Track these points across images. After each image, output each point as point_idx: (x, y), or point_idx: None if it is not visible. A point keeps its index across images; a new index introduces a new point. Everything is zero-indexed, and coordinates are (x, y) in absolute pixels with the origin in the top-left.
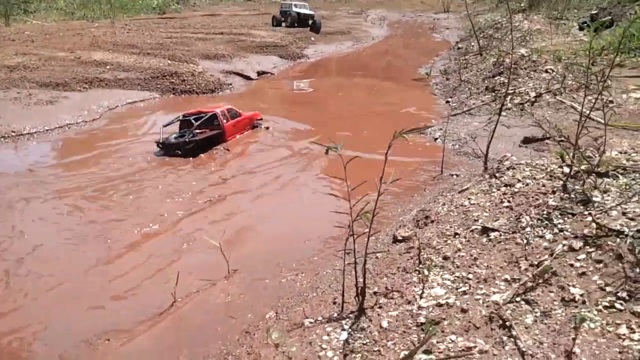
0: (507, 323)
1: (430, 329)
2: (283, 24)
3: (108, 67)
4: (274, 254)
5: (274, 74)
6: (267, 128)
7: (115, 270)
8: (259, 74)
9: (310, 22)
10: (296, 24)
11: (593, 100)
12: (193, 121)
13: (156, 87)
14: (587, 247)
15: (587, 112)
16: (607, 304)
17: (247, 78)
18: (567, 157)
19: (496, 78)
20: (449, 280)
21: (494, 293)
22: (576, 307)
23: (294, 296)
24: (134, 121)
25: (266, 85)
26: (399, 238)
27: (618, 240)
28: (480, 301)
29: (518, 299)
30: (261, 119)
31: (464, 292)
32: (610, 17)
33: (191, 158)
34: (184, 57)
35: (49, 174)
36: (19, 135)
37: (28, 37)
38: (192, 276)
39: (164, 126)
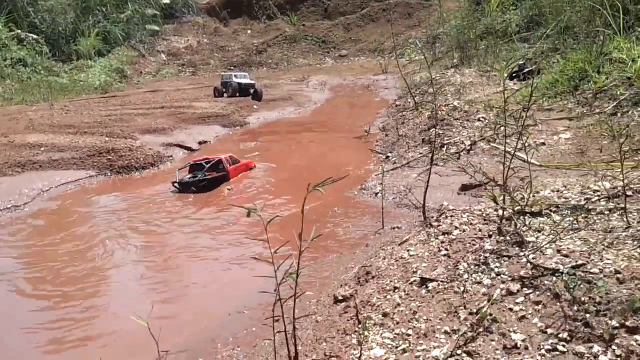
0: None
1: None
2: (225, 95)
3: (43, 149)
4: (208, 328)
5: (214, 143)
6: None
7: None
8: (201, 144)
9: (252, 91)
10: (238, 94)
11: (516, 142)
12: (204, 164)
13: (93, 166)
14: (525, 289)
15: (512, 153)
16: (549, 347)
17: (189, 149)
18: (499, 200)
19: (431, 130)
20: (388, 338)
21: (435, 348)
22: (519, 354)
23: None
24: (66, 201)
25: (206, 152)
26: (340, 298)
27: (554, 279)
28: (421, 358)
29: (459, 351)
30: (255, 167)
31: (404, 350)
32: (536, 67)
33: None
34: (123, 134)
35: None
36: None
37: None
38: None
39: (179, 170)
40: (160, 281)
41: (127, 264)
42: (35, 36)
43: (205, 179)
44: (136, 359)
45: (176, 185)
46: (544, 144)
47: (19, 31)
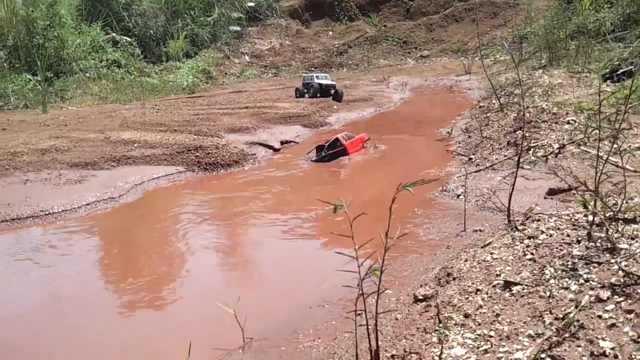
0: None
1: None
2: (306, 95)
3: (135, 145)
4: (290, 319)
5: (297, 142)
6: (376, 147)
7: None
8: (283, 143)
9: (332, 91)
10: (319, 95)
11: (610, 145)
12: (325, 144)
13: (181, 161)
14: (616, 296)
15: (605, 157)
16: None
17: (271, 148)
18: (590, 205)
19: (517, 132)
20: (469, 339)
21: (517, 350)
22: None
23: None
24: (157, 193)
25: (291, 153)
26: (419, 297)
27: None
28: (503, 359)
29: (543, 355)
30: (369, 139)
31: (486, 351)
32: (632, 67)
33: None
34: (209, 132)
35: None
36: (47, 214)
37: (62, 121)
38: (205, 345)
39: (307, 153)
40: (245, 272)
41: (215, 254)
42: (128, 39)
43: (328, 154)
44: (222, 344)
45: (311, 160)
46: (639, 148)
47: (114, 34)
